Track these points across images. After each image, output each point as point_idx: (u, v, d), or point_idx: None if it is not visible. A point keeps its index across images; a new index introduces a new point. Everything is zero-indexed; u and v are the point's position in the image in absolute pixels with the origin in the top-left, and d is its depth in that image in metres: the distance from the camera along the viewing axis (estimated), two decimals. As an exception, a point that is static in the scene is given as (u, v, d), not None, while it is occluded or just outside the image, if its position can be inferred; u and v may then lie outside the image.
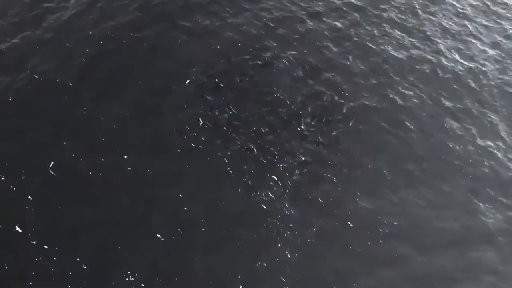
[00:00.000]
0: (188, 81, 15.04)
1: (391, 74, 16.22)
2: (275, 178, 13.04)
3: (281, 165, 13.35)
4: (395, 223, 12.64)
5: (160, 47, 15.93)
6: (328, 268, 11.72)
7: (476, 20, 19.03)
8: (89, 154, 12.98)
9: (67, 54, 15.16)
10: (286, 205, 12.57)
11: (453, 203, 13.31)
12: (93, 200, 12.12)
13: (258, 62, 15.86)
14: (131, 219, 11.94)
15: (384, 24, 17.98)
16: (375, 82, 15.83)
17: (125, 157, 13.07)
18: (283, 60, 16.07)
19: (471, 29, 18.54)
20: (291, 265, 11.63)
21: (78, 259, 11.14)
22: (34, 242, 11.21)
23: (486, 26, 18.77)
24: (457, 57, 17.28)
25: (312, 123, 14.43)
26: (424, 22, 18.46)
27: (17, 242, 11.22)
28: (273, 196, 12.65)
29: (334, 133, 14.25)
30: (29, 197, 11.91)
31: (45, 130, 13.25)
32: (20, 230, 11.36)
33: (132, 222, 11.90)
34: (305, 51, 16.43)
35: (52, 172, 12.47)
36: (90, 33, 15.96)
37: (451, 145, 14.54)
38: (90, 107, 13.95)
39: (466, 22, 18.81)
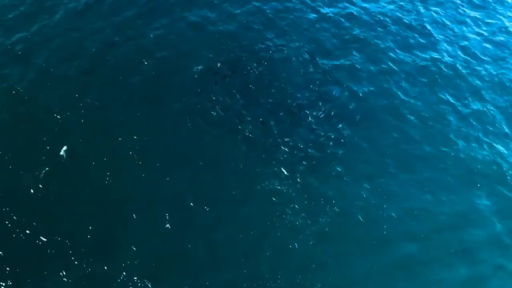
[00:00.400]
0: (199, 69, 15.26)
1: (396, 69, 16.62)
2: (282, 169, 13.40)
3: (288, 156, 13.67)
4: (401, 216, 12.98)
5: (170, 38, 16.23)
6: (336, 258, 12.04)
7: (477, 15, 19.38)
8: (102, 138, 13.20)
9: (78, 44, 15.52)
10: (292, 194, 12.95)
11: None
12: (102, 181, 12.34)
13: (268, 54, 16.12)
14: (140, 200, 12.19)
15: (388, 20, 18.35)
16: (381, 77, 16.23)
17: (134, 137, 13.31)
18: (293, 52, 16.35)
19: (473, 27, 18.88)
20: (299, 253, 12.01)
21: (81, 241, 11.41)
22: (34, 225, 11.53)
23: (487, 23, 19.13)
24: (460, 53, 17.63)
25: (320, 115, 14.76)
26: (424, 19, 18.81)
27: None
28: (279, 186, 13.06)
29: (340, 125, 14.60)
30: (40, 184, 12.23)
31: (53, 117, 13.52)
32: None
33: (138, 203, 12.15)
34: (314, 45, 16.76)
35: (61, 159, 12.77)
36: (101, 24, 16.34)
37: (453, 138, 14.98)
38: (103, 93, 14.20)
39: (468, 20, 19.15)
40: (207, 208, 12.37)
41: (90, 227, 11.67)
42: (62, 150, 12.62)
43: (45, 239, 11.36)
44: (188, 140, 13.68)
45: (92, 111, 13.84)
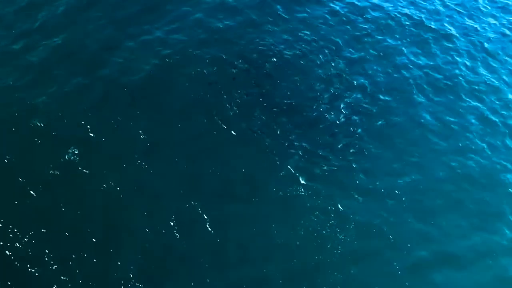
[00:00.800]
0: (208, 68, 14.43)
1: (417, 71, 16.04)
2: (300, 173, 12.68)
3: (306, 160, 12.98)
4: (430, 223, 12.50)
5: (178, 34, 15.36)
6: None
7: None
8: (106, 137, 12.32)
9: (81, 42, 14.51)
10: (317, 202, 12.31)
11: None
12: (105, 182, 11.50)
13: (282, 52, 15.35)
14: (145, 201, 11.49)
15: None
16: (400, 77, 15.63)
17: (141, 137, 12.42)
18: (309, 50, 15.64)
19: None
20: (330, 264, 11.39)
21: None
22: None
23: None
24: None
25: (339, 118, 14.05)
26: (446, 18, 18.28)
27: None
28: (299, 192, 12.37)
29: (360, 130, 13.92)
30: (40, 186, 11.33)
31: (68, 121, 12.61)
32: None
33: (143, 205, 11.45)
34: (330, 43, 16.03)
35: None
36: (105, 20, 15.29)
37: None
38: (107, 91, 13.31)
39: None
40: (218, 214, 11.57)
41: (92, 230, 10.86)
42: (68, 153, 11.78)
43: (47, 242, 10.55)
44: (199, 140, 12.88)
45: (96, 110, 12.92)
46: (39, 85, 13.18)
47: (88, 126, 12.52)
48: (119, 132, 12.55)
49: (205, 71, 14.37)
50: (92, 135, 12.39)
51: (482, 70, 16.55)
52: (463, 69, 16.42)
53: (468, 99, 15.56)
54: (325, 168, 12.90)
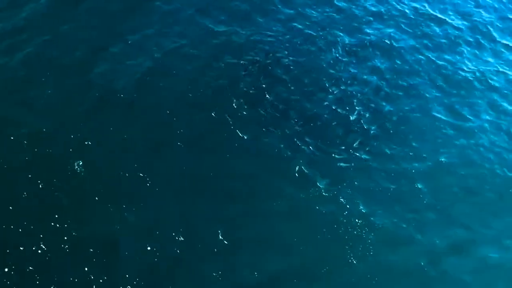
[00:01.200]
0: (220, 63, 13.42)
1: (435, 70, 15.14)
2: (324, 173, 11.75)
3: (329, 158, 12.05)
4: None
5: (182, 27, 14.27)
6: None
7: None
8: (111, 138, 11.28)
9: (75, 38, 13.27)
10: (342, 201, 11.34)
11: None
12: (108, 182, 10.53)
13: (296, 48, 14.39)
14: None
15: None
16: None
17: (147, 135, 11.42)
18: (324, 45, 14.68)
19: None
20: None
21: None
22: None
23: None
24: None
25: (355, 116, 13.13)
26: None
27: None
28: (325, 193, 11.40)
29: (373, 127, 13.02)
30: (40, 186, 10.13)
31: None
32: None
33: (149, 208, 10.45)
34: (347, 39, 15.11)
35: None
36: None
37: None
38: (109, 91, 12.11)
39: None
40: (235, 220, 10.59)
41: (95, 234, 9.83)
42: (76, 164, 10.71)
43: (50, 247, 9.53)
44: (203, 139, 11.87)
45: (91, 114, 11.76)
46: (25, 88, 11.93)
47: (84, 131, 11.33)
48: (116, 135, 11.46)
49: (205, 69, 13.32)
50: (88, 139, 11.24)
51: (491, 60, 15.75)
52: (473, 60, 15.57)
53: (481, 91, 14.71)
54: (342, 165, 11.98)
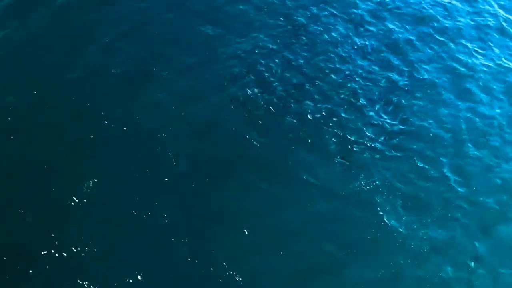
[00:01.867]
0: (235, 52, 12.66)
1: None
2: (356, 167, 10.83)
3: (360, 151, 11.13)
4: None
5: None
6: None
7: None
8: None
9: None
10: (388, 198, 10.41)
11: None
12: (113, 183, 9.80)
13: (317, 33, 13.59)
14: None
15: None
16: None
17: (158, 136, 10.62)
18: (343, 31, 13.89)
19: None
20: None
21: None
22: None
23: None
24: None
25: (383, 106, 12.23)
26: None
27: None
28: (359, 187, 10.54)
29: (405, 115, 12.11)
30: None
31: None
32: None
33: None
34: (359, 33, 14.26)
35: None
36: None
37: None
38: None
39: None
40: (267, 221, 9.72)
41: (96, 240, 9.05)
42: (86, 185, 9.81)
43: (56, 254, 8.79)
44: (218, 128, 11.13)
45: (103, 115, 10.97)
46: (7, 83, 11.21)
47: (78, 129, 10.56)
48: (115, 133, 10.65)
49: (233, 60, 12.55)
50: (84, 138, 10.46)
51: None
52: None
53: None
54: (377, 156, 10.99)
